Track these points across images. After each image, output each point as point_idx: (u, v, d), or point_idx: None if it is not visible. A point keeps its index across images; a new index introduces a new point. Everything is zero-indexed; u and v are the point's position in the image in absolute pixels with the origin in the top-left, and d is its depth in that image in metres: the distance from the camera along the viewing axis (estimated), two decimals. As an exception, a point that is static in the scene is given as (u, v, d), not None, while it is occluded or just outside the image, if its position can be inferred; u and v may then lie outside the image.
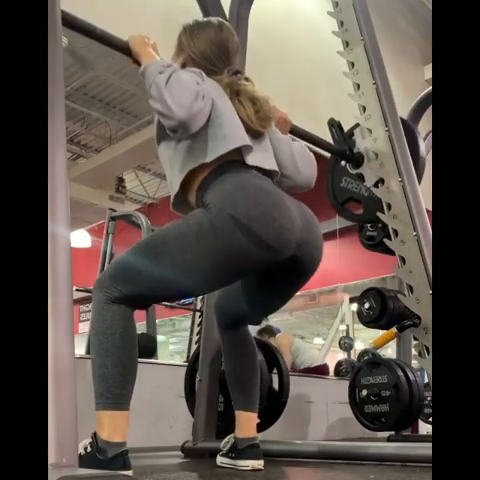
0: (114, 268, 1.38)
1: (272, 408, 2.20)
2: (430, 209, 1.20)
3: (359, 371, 2.78)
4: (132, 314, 1.35)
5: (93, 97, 6.44)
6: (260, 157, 1.46)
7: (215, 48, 1.55)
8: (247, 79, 1.57)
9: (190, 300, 4.49)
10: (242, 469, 1.55)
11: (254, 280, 1.54)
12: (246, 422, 1.62)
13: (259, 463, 1.56)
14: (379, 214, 2.06)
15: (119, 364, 1.27)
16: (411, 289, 1.91)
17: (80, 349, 3.77)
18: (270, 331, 4.68)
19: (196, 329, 3.83)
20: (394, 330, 2.13)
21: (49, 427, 0.84)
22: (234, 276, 1.44)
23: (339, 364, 5.53)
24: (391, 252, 2.05)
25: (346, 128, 2.31)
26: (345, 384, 2.95)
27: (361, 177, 2.23)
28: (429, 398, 3.27)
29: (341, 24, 2.34)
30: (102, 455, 1.24)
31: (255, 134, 1.48)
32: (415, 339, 1.94)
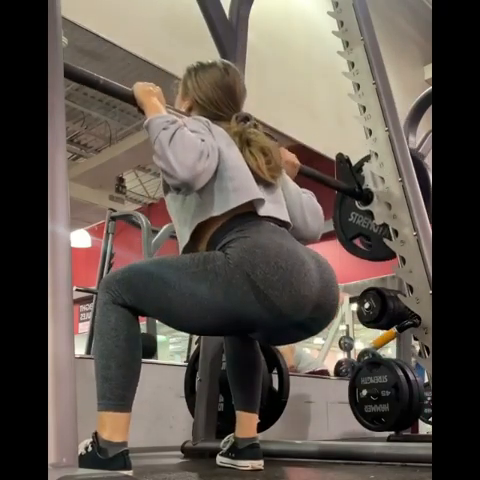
0: (124, 275, 1.34)
1: (272, 408, 2.20)
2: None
3: (359, 371, 2.78)
4: (137, 316, 1.35)
5: (93, 97, 6.45)
6: (273, 208, 1.43)
7: (221, 92, 1.52)
8: (256, 126, 1.53)
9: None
10: (242, 469, 1.55)
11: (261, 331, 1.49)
12: (246, 422, 1.62)
13: (259, 463, 1.56)
14: (379, 213, 2.06)
15: (123, 366, 1.27)
16: (411, 289, 1.91)
17: (80, 349, 3.78)
18: None
19: (196, 329, 3.82)
20: (394, 330, 2.13)
21: (49, 427, 0.84)
22: (238, 332, 1.43)
23: (339, 364, 5.52)
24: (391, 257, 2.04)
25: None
26: (345, 384, 2.95)
27: (370, 214, 2.20)
28: (429, 398, 3.27)
29: (341, 24, 2.34)
30: (103, 455, 1.24)
31: (266, 184, 1.45)
32: (415, 339, 1.93)
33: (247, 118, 1.53)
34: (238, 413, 1.63)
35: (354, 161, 2.33)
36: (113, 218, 4.10)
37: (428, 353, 1.85)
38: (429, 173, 2.28)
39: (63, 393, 0.90)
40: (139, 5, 3.21)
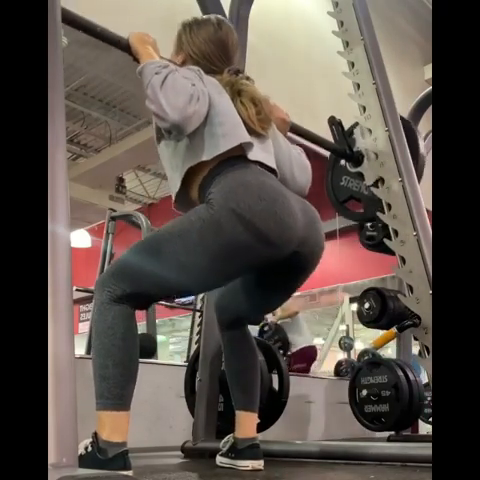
0: (116, 267, 1.38)
1: (272, 408, 2.20)
2: (430, 209, 1.20)
3: (359, 371, 2.78)
4: (134, 314, 1.34)
5: (93, 97, 6.45)
6: (262, 155, 1.46)
7: (214, 46, 1.55)
8: (248, 78, 1.57)
9: (190, 300, 4.49)
10: (242, 469, 1.55)
11: (254, 277, 1.54)
12: (246, 422, 1.62)
13: (259, 463, 1.56)
14: (379, 214, 2.06)
15: (120, 365, 1.27)
16: (411, 289, 1.92)
17: (80, 349, 3.77)
18: None
19: (196, 329, 3.83)
20: (394, 330, 2.13)
21: (49, 427, 0.84)
22: (236, 273, 1.44)
23: (339, 364, 5.52)
24: (391, 252, 2.05)
25: (346, 127, 2.30)
26: (345, 384, 2.95)
27: (361, 176, 2.23)
28: (429, 398, 3.27)
29: (341, 24, 2.34)
30: (102, 455, 1.24)
31: (256, 135, 1.48)
32: (415, 339, 1.94)
33: (239, 71, 1.57)
34: (238, 413, 1.63)
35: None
36: (113, 218, 4.10)
37: (428, 353, 1.85)
38: (420, 138, 2.37)
39: (63, 393, 0.90)
40: (139, 5, 3.21)
